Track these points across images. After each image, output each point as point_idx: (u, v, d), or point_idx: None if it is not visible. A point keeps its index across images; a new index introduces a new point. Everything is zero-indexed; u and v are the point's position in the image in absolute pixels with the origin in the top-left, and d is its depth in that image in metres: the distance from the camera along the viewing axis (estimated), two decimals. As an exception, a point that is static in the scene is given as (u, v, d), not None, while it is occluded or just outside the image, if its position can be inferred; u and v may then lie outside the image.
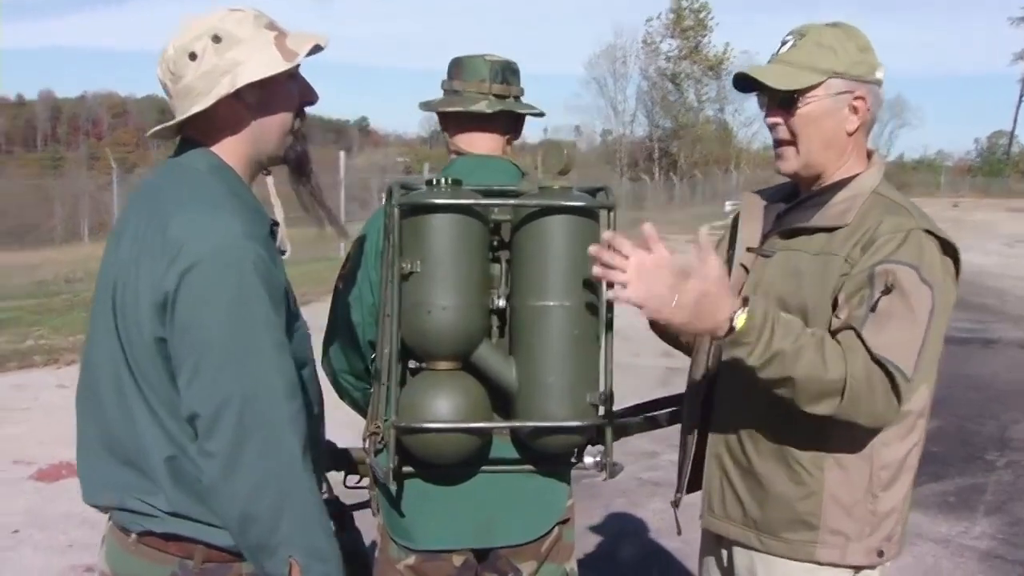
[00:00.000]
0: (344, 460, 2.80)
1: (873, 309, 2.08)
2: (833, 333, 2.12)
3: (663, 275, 1.99)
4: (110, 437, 1.94)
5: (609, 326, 2.36)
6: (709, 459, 2.42)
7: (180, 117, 1.94)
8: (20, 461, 6.49)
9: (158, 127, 1.99)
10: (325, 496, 2.85)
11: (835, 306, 2.15)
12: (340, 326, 2.64)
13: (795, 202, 2.39)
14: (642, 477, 6.31)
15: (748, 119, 56.76)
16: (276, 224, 2.02)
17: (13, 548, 5.15)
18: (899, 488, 2.27)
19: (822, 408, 2.06)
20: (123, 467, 1.93)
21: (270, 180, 2.08)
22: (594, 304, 2.34)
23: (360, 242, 2.62)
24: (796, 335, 2.04)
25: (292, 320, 1.94)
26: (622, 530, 5.44)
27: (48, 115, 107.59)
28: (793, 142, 2.29)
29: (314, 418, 2.05)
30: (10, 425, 7.37)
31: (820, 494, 2.22)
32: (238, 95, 1.91)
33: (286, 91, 1.99)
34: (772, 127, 2.31)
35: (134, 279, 1.85)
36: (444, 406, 2.31)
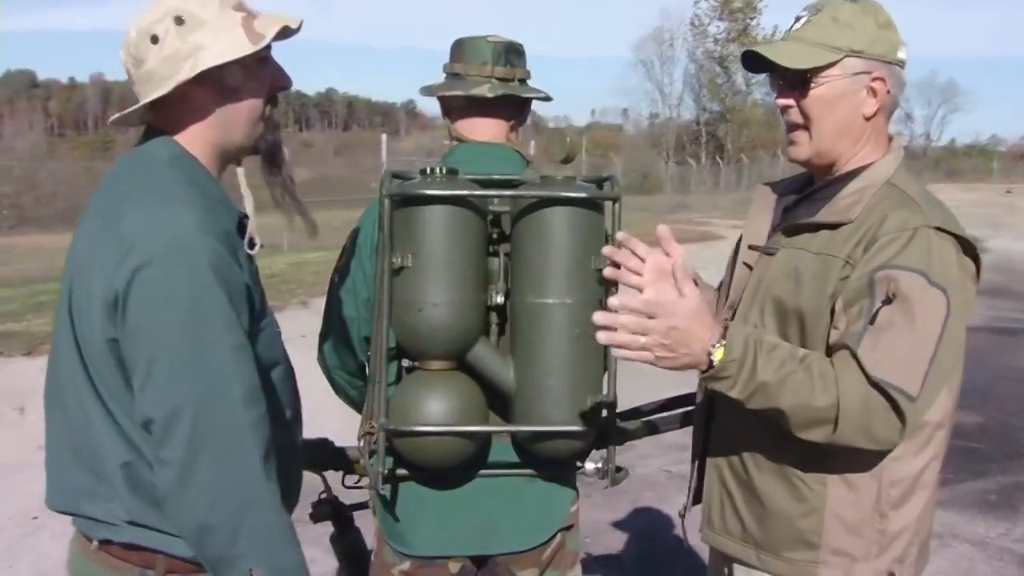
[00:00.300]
0: (341, 459, 2.70)
1: (872, 322, 1.92)
2: (831, 349, 1.98)
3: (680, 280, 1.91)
4: (72, 440, 1.85)
5: None
6: (709, 470, 2.29)
7: (140, 103, 1.83)
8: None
9: (118, 114, 1.88)
10: (323, 496, 2.78)
11: (834, 313, 2.00)
12: (334, 321, 2.53)
13: (804, 194, 2.24)
14: (672, 471, 6.16)
15: (797, 103, 55.80)
16: (246, 217, 1.90)
17: (31, 535, 5.12)
18: (913, 506, 2.11)
19: (816, 436, 1.93)
20: (83, 472, 1.83)
21: (240, 171, 1.97)
22: (598, 302, 2.21)
23: (355, 234, 2.50)
24: (781, 362, 1.90)
25: (258, 319, 1.83)
26: (648, 526, 5.30)
27: (99, 97, 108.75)
28: (806, 126, 2.13)
29: (285, 424, 1.94)
30: (39, 409, 7.35)
31: (822, 511, 2.08)
32: (201, 80, 1.79)
33: (254, 76, 1.87)
34: (783, 110, 2.15)
35: (88, 276, 1.75)
36: (436, 408, 2.20)
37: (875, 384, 1.88)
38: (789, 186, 2.31)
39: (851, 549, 2.08)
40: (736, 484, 2.20)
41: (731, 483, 2.21)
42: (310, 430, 2.77)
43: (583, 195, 2.19)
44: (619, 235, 2.05)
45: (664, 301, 1.86)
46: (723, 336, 1.90)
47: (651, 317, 1.86)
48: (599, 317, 1.87)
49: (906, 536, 2.11)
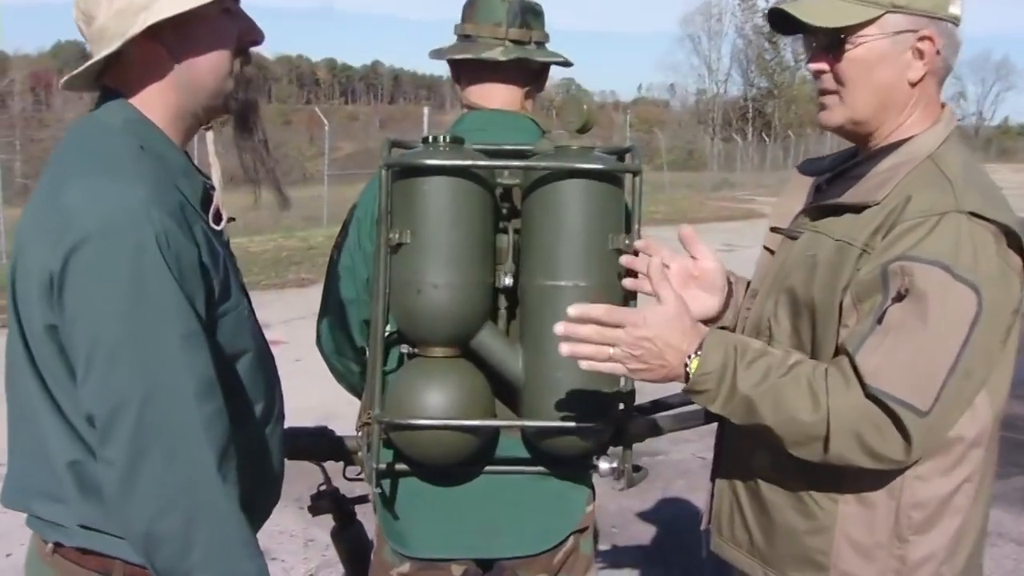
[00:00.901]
0: (341, 449, 2.52)
1: (879, 321, 1.68)
2: (837, 352, 1.75)
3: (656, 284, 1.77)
4: (23, 434, 1.68)
5: None
6: (720, 475, 2.09)
7: (90, 63, 1.64)
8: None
9: (68, 75, 1.68)
10: (323, 488, 2.60)
11: (843, 309, 1.76)
12: (332, 303, 2.34)
13: (838, 170, 1.99)
14: (705, 457, 5.93)
15: (847, 80, 56.29)
16: (213, 188, 1.71)
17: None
18: (941, 532, 1.82)
19: (807, 454, 1.73)
20: (34, 468, 1.66)
21: (210, 136, 1.77)
22: (616, 285, 2.01)
23: (355, 208, 2.31)
24: (764, 373, 1.71)
25: (219, 302, 1.63)
26: (677, 516, 5.09)
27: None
28: (841, 93, 1.87)
29: (253, 421, 1.75)
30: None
31: (832, 530, 1.83)
32: (157, 35, 1.59)
33: (217, 28, 1.66)
34: (816, 75, 1.89)
35: (28, 255, 1.56)
36: (435, 399, 2.00)
37: (872, 396, 1.65)
38: (832, 163, 2.08)
39: (863, 574, 1.84)
40: (745, 493, 1.99)
41: (741, 491, 2.01)
42: (324, 418, 2.61)
43: (600, 167, 1.98)
44: (639, 243, 1.92)
45: (631, 308, 1.71)
46: (702, 344, 1.73)
47: (618, 326, 1.69)
48: (559, 328, 1.72)
49: (931, 566, 1.83)
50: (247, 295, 1.80)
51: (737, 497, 2.01)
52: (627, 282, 1.94)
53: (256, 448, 1.77)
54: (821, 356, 1.80)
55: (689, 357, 1.72)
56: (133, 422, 1.48)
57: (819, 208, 1.91)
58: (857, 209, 1.82)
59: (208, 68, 1.67)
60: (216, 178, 1.72)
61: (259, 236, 16.92)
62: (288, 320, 9.51)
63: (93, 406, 1.50)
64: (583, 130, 2.06)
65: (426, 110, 22.39)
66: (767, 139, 47.35)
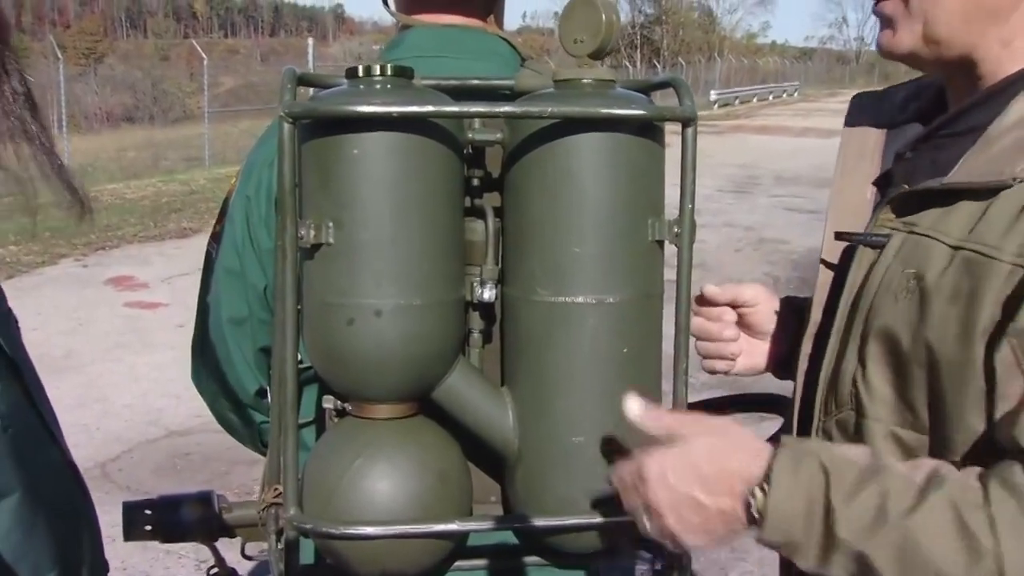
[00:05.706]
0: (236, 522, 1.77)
1: None
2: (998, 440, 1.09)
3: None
4: None
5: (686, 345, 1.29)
6: None
7: None
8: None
9: None
10: (214, 572, 1.88)
11: (993, 365, 1.09)
12: (212, 323, 1.56)
13: (934, 125, 1.28)
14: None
15: (732, 6, 57.00)
16: None
17: None
18: None
19: None
20: None
21: None
22: (656, 298, 1.29)
23: (243, 178, 1.54)
24: (879, 508, 1.00)
25: None
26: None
27: (12, 3, 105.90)
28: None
29: None
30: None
31: None
32: None
33: None
34: None
35: None
36: (383, 492, 1.26)
37: None
38: (907, 104, 1.35)
39: None
40: None
41: None
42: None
43: (641, 112, 1.24)
44: (708, 288, 1.45)
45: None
46: (769, 469, 1.05)
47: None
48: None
49: None
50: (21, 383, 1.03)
51: None
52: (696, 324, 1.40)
53: None
54: (953, 446, 1.12)
55: (751, 496, 1.05)
56: None
57: (913, 195, 1.20)
58: (987, 192, 1.12)
59: None
60: None
61: (136, 181, 15.86)
62: (170, 277, 8.61)
63: None
64: (598, 54, 1.31)
65: (310, 41, 21.46)
66: (657, 65, 47.08)
